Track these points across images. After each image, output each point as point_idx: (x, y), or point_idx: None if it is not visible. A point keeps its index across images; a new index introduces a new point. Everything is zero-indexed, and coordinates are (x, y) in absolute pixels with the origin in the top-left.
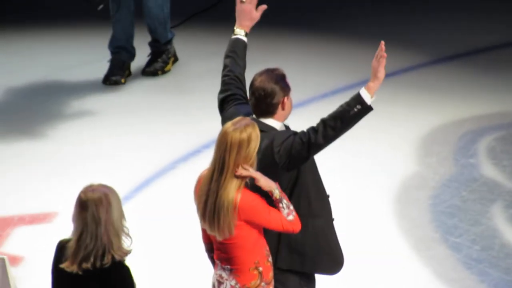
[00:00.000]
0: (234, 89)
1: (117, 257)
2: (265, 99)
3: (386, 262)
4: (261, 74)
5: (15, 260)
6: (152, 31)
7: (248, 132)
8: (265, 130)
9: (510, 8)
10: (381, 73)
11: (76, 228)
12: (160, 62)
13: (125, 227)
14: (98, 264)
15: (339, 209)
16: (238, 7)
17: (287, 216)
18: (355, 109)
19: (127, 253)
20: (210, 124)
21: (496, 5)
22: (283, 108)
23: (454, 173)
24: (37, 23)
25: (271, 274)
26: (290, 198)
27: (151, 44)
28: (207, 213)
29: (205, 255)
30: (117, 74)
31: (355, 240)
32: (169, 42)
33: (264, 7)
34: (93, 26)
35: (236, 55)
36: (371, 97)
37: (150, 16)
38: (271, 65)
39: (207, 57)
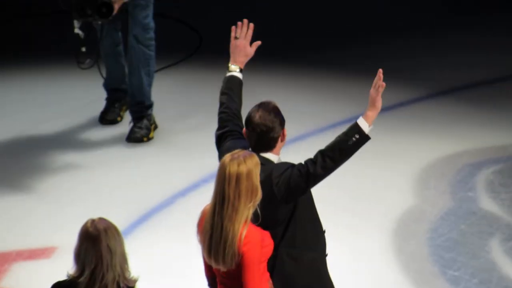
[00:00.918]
0: (232, 125)
1: (130, 285)
2: (267, 134)
3: None
4: (257, 109)
5: None
6: (135, 93)
7: (247, 164)
8: (264, 163)
9: (505, 44)
10: (379, 102)
11: (88, 262)
12: (144, 128)
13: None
14: None
15: (336, 242)
16: (232, 43)
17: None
18: (353, 139)
19: (135, 280)
20: (209, 160)
21: (492, 40)
22: (281, 140)
23: (452, 207)
24: (32, 62)
25: None
26: (286, 230)
27: (132, 110)
28: (213, 247)
29: None
30: (113, 113)
31: (352, 274)
32: (151, 106)
33: (258, 43)
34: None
35: (232, 91)
36: (369, 126)
37: (136, 69)
38: (267, 98)
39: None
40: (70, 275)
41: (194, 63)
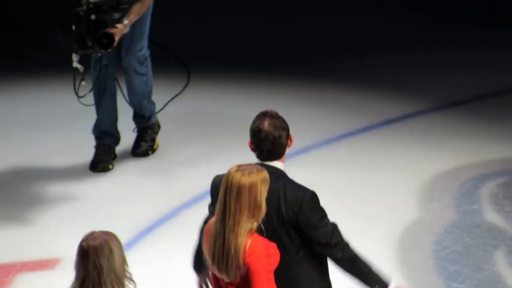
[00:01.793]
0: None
1: None
2: (279, 141)
3: None
4: (263, 119)
5: None
6: (136, 108)
7: (251, 178)
8: (272, 172)
9: (504, 58)
10: None
11: (78, 276)
12: (149, 141)
13: (128, 272)
14: None
15: None
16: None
17: None
18: (372, 284)
19: None
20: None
21: (492, 55)
22: (288, 146)
23: (457, 219)
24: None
25: None
26: (300, 250)
27: (136, 120)
28: (216, 257)
29: None
30: (104, 161)
31: (356, 286)
32: (153, 115)
33: None
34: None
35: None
36: None
37: (135, 93)
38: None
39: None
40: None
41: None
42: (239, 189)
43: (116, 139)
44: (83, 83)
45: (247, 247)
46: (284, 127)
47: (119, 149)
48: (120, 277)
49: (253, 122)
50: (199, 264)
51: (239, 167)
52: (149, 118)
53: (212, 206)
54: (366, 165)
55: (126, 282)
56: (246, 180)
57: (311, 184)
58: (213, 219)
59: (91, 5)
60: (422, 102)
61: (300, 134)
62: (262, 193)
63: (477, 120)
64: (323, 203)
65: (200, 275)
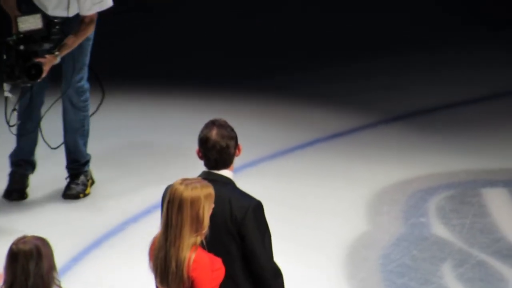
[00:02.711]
0: None
1: None
2: (226, 150)
3: None
4: (211, 128)
5: None
6: (71, 151)
7: (194, 192)
8: (219, 180)
9: (455, 70)
10: None
11: (6, 280)
12: (81, 184)
13: (57, 279)
14: None
15: (286, 269)
16: None
17: None
18: None
19: None
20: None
21: (442, 67)
22: (237, 155)
23: (404, 232)
24: None
25: None
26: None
27: (69, 167)
28: (159, 271)
29: None
30: (20, 190)
31: None
32: (88, 162)
33: None
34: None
35: None
36: None
37: (70, 129)
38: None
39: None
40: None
41: None
42: (181, 203)
43: (33, 166)
44: (15, 112)
45: (191, 261)
46: (232, 136)
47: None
48: (48, 284)
49: (201, 131)
50: None
51: (184, 181)
52: (84, 164)
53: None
54: (313, 178)
55: None
56: (188, 194)
57: (257, 197)
58: (158, 232)
59: (21, 35)
60: (369, 115)
61: (247, 147)
62: (205, 208)
63: (425, 133)
64: (267, 215)
65: None
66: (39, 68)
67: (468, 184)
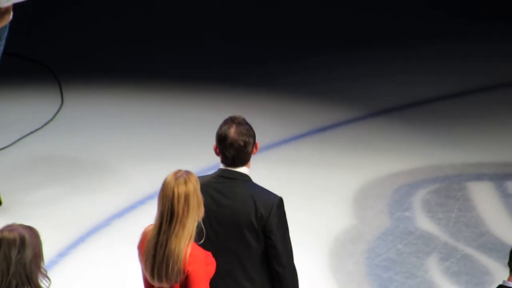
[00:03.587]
0: None
1: None
2: (245, 149)
3: None
4: (230, 125)
5: None
6: None
7: (192, 182)
8: (238, 178)
9: (443, 63)
10: None
11: None
12: None
13: (43, 268)
14: None
15: None
16: None
17: None
18: None
19: None
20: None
21: (429, 60)
22: (254, 153)
23: (390, 226)
24: None
25: None
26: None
27: None
28: (156, 265)
29: None
30: None
31: None
32: None
33: None
34: None
35: None
36: None
37: None
38: (218, 121)
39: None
40: None
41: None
42: (187, 195)
43: None
44: None
45: (187, 255)
46: (251, 134)
47: None
48: (29, 273)
49: (220, 127)
50: None
51: (176, 175)
52: None
53: None
54: (299, 172)
55: (41, 278)
56: (190, 185)
57: None
58: (149, 228)
59: None
60: (355, 109)
61: None
62: (199, 192)
63: (410, 127)
64: None
65: None
66: None
67: (453, 178)
